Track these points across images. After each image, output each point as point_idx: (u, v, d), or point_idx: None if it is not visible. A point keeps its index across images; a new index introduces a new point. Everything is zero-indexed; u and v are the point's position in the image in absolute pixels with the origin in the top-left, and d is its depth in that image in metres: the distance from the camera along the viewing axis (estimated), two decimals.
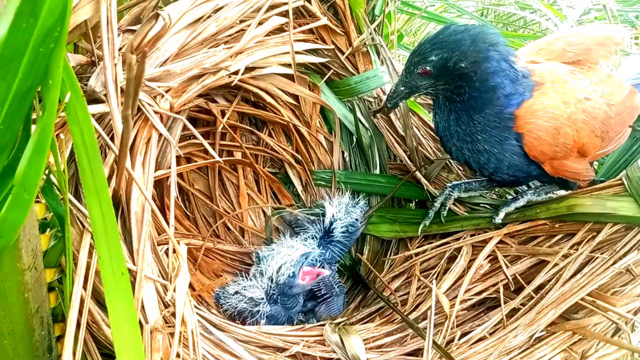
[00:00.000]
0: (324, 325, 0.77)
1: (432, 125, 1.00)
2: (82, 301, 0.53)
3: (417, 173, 0.95)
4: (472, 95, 0.73)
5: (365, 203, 0.97)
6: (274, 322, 0.84)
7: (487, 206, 0.89)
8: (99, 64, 0.65)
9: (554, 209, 0.76)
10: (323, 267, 0.91)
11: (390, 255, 0.97)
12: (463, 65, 0.70)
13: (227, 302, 0.85)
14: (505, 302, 0.75)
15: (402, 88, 0.78)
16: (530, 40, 0.97)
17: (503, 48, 0.72)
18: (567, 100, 0.72)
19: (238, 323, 0.81)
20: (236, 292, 0.85)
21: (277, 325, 0.83)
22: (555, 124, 0.71)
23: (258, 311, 0.83)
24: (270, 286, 0.85)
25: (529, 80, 0.73)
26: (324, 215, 0.95)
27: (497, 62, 0.71)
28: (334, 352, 0.72)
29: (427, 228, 0.90)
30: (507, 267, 0.78)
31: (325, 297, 0.89)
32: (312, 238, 0.94)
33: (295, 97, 0.99)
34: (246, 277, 0.90)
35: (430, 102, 1.10)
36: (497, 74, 0.71)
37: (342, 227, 0.93)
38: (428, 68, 0.73)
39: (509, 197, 0.92)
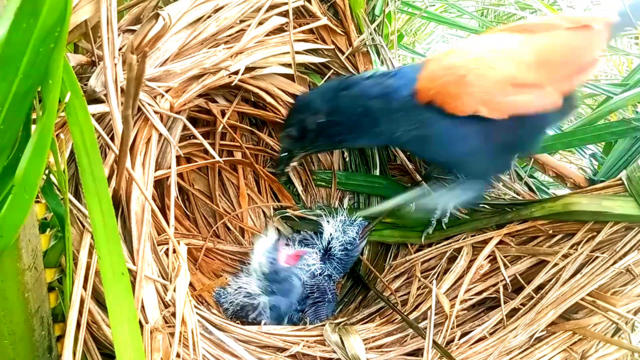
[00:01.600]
0: (324, 325, 0.77)
1: None
2: (82, 301, 0.53)
3: (418, 176, 0.95)
4: (360, 130, 0.74)
5: (363, 219, 0.96)
6: (277, 313, 0.85)
7: (487, 206, 0.89)
8: (99, 64, 0.65)
9: (549, 207, 0.76)
10: (329, 279, 0.92)
11: (390, 256, 0.97)
12: (324, 120, 0.75)
13: (228, 300, 0.86)
14: (505, 302, 0.75)
15: (284, 154, 0.82)
16: None
17: (352, 79, 0.76)
18: (466, 56, 0.70)
19: (239, 322, 0.81)
20: (237, 288, 0.86)
21: (278, 326, 0.84)
22: (458, 69, 0.68)
23: (259, 303, 0.84)
24: (262, 278, 0.86)
25: (413, 65, 0.75)
26: (322, 234, 0.96)
27: (353, 95, 0.74)
28: (334, 352, 0.72)
29: (429, 236, 0.90)
30: (507, 267, 0.78)
31: (317, 300, 0.89)
32: (315, 253, 0.95)
33: (296, 97, 0.99)
34: (245, 274, 0.90)
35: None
36: (363, 96, 0.73)
37: (340, 246, 0.92)
38: (292, 133, 0.78)
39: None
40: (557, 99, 0.70)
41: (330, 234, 0.94)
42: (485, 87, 0.68)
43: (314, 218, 1.00)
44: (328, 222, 0.96)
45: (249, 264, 0.96)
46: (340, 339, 0.72)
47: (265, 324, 0.82)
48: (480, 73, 0.68)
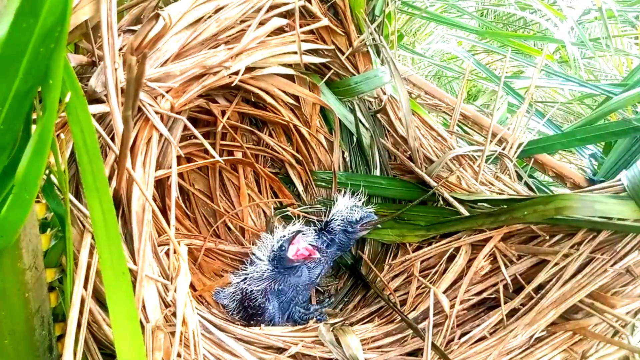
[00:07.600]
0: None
1: (433, 126, 1.00)
2: (82, 301, 0.53)
3: (419, 172, 0.95)
4: None
5: (373, 212, 0.97)
6: (283, 298, 0.87)
7: (486, 204, 0.89)
8: (99, 64, 0.65)
9: (541, 211, 0.74)
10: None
11: (390, 256, 0.97)
12: None
13: (233, 294, 0.87)
14: (505, 302, 0.75)
15: None
16: (531, 41, 0.97)
17: None
18: None
19: (242, 315, 0.81)
20: (243, 279, 0.86)
21: (278, 327, 0.84)
22: None
23: (266, 289, 0.85)
24: (273, 255, 0.87)
25: None
26: (328, 206, 0.98)
27: None
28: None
29: (427, 233, 0.90)
30: (507, 266, 0.78)
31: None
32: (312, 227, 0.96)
33: (296, 98, 0.99)
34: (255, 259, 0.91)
35: (433, 103, 1.10)
36: None
37: (341, 222, 0.94)
38: None
39: None
40: None
41: (338, 210, 0.95)
42: None
43: (318, 207, 1.01)
44: (342, 197, 0.97)
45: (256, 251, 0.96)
46: (336, 338, 0.72)
47: (269, 309, 0.83)
48: None
